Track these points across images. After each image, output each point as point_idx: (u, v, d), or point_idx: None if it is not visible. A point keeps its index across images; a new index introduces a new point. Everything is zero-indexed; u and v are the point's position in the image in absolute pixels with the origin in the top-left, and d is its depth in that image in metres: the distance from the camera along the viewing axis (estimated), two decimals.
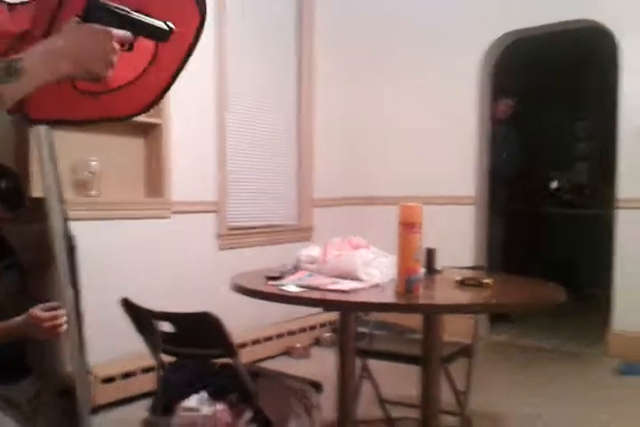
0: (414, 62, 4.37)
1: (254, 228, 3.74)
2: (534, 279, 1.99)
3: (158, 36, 1.07)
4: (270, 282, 1.81)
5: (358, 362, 2.39)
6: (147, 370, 2.77)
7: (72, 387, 1.73)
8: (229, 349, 1.53)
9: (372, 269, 1.84)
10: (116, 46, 0.94)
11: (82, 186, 2.86)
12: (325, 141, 4.21)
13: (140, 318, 1.71)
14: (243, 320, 3.36)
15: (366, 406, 2.67)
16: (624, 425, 2.57)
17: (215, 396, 1.64)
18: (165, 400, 1.72)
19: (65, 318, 1.57)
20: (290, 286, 1.73)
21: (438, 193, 4.21)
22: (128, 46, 1.01)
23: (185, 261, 3.26)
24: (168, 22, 1.07)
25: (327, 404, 2.04)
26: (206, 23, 1.26)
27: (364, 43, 4.49)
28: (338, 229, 3.66)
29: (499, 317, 4.41)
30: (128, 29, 0.99)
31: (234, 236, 3.56)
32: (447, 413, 2.31)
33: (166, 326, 1.68)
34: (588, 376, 3.39)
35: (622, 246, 3.65)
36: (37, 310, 1.53)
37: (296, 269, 1.99)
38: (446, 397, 2.30)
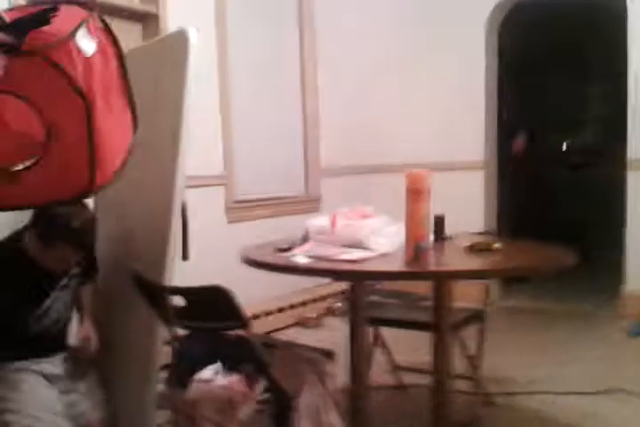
0: (419, 30, 4.28)
1: (261, 200, 3.73)
2: (544, 243, 1.97)
3: None
4: (280, 254, 1.81)
5: (370, 330, 2.41)
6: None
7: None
8: (242, 321, 1.54)
9: (381, 237, 1.84)
10: None
11: None
12: (331, 110, 4.15)
13: (151, 292, 1.72)
14: (254, 292, 3.37)
15: (379, 373, 2.70)
16: (638, 385, 2.58)
17: (230, 367, 1.66)
18: (180, 373, 1.74)
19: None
20: (299, 257, 1.73)
21: (447, 159, 4.16)
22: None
23: (194, 236, 3.26)
24: None
25: (340, 372, 2.06)
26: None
27: (366, 7, 4.39)
28: (345, 199, 3.63)
29: (514, 279, 4.41)
30: None
31: (241, 209, 3.55)
32: (459, 377, 2.34)
33: (179, 300, 1.69)
34: (600, 337, 3.40)
35: (633, 207, 3.64)
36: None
37: (305, 239, 1.99)
38: (458, 362, 2.32)
